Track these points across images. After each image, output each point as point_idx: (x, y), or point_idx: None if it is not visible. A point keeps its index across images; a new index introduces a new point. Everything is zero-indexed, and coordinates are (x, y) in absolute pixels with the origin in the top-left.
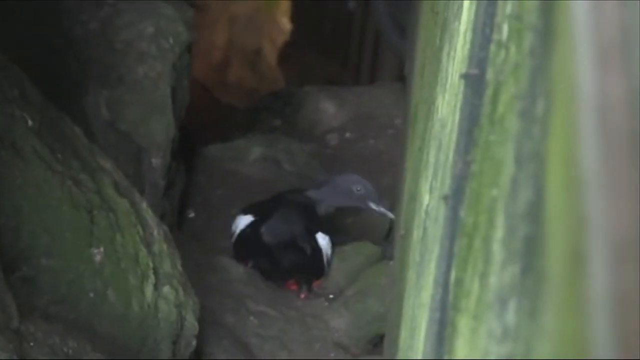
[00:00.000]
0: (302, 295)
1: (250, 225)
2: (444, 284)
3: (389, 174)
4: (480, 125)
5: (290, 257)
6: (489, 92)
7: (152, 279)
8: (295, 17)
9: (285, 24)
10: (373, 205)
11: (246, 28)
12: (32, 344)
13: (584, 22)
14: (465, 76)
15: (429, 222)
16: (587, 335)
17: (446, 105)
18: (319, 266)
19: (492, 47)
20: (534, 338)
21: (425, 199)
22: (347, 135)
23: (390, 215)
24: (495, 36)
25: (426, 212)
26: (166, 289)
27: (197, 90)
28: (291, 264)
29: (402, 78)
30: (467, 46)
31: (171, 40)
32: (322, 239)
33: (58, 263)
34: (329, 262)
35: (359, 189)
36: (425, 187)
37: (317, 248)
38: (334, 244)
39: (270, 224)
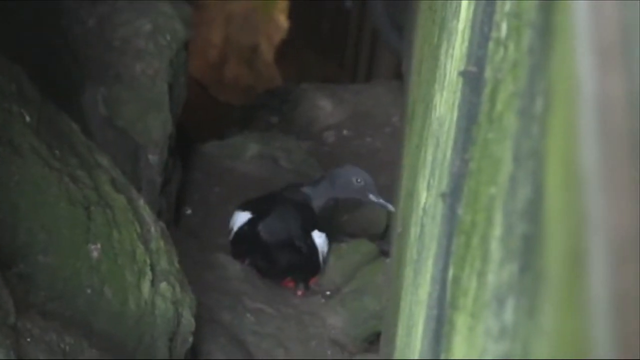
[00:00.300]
0: (299, 293)
1: (248, 223)
2: (441, 282)
3: (386, 172)
4: (479, 123)
5: (286, 256)
6: (487, 90)
7: (149, 275)
8: (292, 15)
9: (282, 21)
10: (373, 197)
11: (243, 26)
12: (28, 340)
13: (584, 20)
14: (463, 74)
15: (427, 220)
16: (586, 335)
17: (444, 103)
18: (314, 265)
19: (491, 45)
20: (531, 337)
21: (423, 196)
22: (344, 132)
23: (390, 207)
24: (493, 34)
25: (424, 210)
26: (163, 286)
27: (194, 87)
28: (287, 263)
29: (399, 76)
30: (466, 44)
31: (168, 37)
32: (318, 237)
33: (55, 260)
34: (325, 260)
35: (358, 180)
36: (422, 185)
37: (312, 246)
38: (330, 241)
39: (267, 222)
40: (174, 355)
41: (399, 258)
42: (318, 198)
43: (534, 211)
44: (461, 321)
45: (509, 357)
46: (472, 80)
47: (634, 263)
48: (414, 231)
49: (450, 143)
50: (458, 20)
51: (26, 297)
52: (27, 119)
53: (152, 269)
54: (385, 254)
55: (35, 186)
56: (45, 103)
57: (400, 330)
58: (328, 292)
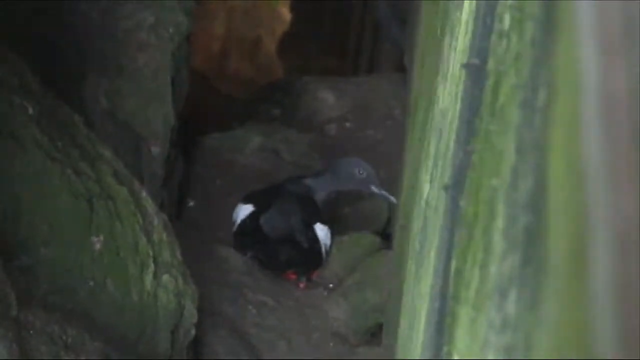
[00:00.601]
0: (301, 285)
1: (250, 217)
2: (443, 274)
3: (388, 164)
4: (481, 115)
5: (287, 250)
6: (490, 82)
7: (151, 267)
8: (294, 8)
9: (284, 14)
10: (375, 189)
11: (245, 19)
12: (31, 332)
13: (587, 12)
14: (466, 66)
15: (429, 212)
16: (588, 326)
17: (447, 95)
18: (316, 258)
19: (494, 37)
20: (533, 329)
21: (426, 189)
22: (346, 125)
23: (392, 199)
24: (496, 26)
25: (426, 202)
26: (165, 278)
27: (196, 80)
28: (288, 257)
29: (401, 68)
30: (469, 36)
31: (171, 30)
32: (321, 230)
33: (57, 252)
34: (328, 253)
35: (360, 172)
36: (425, 177)
37: (314, 240)
38: (333, 233)
39: (268, 216)
40: (176, 347)
41: (401, 250)
42: (320, 190)
43: (536, 203)
44: (463, 313)
45: (511, 349)
46: (475, 72)
47: (635, 255)
48: (416, 223)
49: (453, 135)
50: (461, 12)
51: (28, 290)
52: (29, 111)
53: (155, 261)
54: (389, 246)
55: (37, 178)
56: (47, 95)
57: (403, 323)
58: (330, 285)
